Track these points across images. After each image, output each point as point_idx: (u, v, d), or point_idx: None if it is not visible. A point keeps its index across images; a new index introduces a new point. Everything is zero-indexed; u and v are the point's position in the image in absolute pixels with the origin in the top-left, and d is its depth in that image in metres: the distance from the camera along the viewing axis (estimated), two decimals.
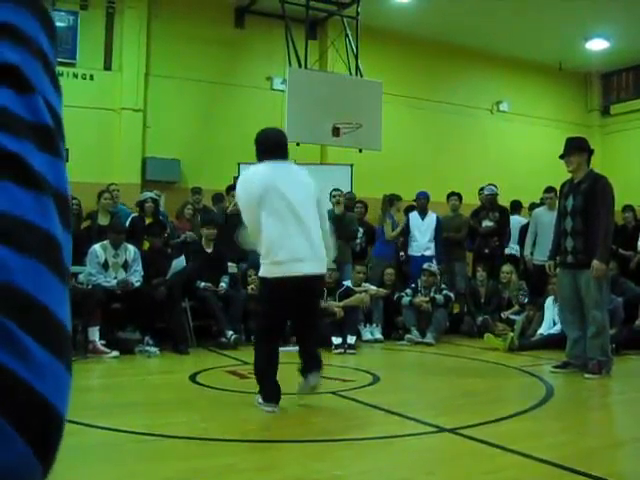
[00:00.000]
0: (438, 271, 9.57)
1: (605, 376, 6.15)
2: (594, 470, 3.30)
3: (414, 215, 10.07)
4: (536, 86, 15.89)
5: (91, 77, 11.76)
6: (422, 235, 9.85)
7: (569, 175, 6.46)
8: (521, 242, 10.43)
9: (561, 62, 15.60)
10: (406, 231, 10.00)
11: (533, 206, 11.04)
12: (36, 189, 0.47)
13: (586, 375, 6.09)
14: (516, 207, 11.47)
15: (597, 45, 14.53)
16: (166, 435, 3.88)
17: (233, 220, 9.19)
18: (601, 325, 6.17)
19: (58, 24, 11.41)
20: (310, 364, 4.75)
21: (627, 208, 10.51)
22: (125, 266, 7.66)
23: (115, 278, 7.52)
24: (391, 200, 10.23)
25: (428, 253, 9.76)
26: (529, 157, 15.03)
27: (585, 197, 6.19)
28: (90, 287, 7.45)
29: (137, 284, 7.56)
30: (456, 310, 9.99)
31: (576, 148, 6.36)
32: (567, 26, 13.45)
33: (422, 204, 10.03)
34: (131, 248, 7.78)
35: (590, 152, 6.41)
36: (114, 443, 3.80)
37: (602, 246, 6.08)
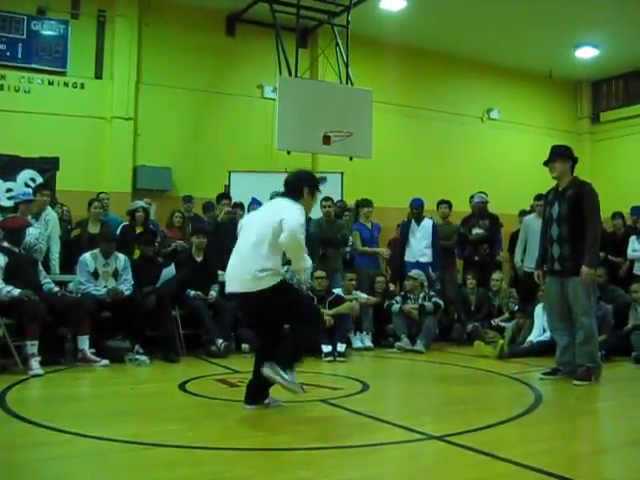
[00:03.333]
0: (433, 277, 9.62)
1: (594, 382, 6.17)
2: (582, 476, 3.32)
3: (409, 221, 10.06)
4: (526, 94, 15.95)
5: (82, 86, 11.75)
6: (417, 242, 9.85)
7: None
8: (511, 249, 10.45)
9: (551, 70, 15.67)
10: (403, 238, 10.01)
11: (523, 213, 11.08)
12: None
13: (575, 382, 6.11)
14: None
15: (587, 53, 14.61)
16: (154, 444, 3.87)
17: (223, 229, 9.21)
18: (589, 332, 6.19)
19: (49, 33, 11.43)
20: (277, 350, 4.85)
21: (616, 215, 10.55)
22: (115, 275, 7.65)
23: (105, 287, 7.49)
24: (358, 206, 10.21)
25: (424, 260, 9.76)
26: (520, 164, 15.06)
27: (570, 204, 6.22)
28: (80, 296, 7.43)
29: (127, 292, 7.55)
30: (446, 318, 10.00)
31: (560, 155, 6.39)
32: (557, 34, 13.52)
33: (417, 213, 10.00)
34: (121, 257, 7.77)
35: (574, 160, 6.44)
36: (102, 452, 3.79)
37: (590, 252, 6.10)
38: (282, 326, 5.01)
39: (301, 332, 4.83)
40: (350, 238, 9.82)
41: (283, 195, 5.00)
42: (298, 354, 4.89)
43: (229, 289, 4.96)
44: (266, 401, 4.96)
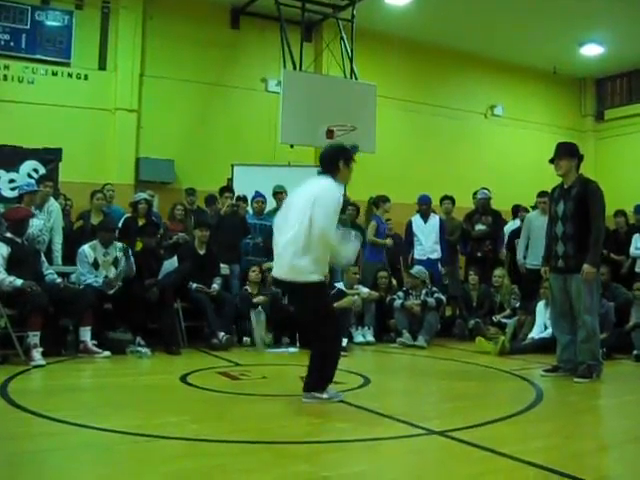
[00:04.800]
0: (442, 272, 9.67)
1: (595, 380, 6.17)
2: (583, 473, 3.32)
3: (416, 218, 10.08)
4: (530, 91, 15.94)
5: (85, 77, 11.75)
6: (426, 238, 9.89)
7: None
8: (510, 246, 10.41)
9: (556, 67, 15.66)
10: (409, 236, 10.03)
11: (518, 209, 11.11)
12: None
13: (576, 379, 6.12)
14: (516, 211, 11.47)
15: (591, 50, 14.62)
16: (156, 435, 3.87)
17: (226, 222, 9.21)
18: (591, 330, 6.19)
19: (53, 23, 11.41)
20: (306, 380, 4.98)
21: (619, 213, 10.52)
22: (115, 263, 7.63)
23: (106, 277, 7.49)
24: (377, 202, 10.19)
25: (434, 256, 9.83)
26: (523, 161, 15.07)
27: (575, 202, 6.21)
28: (82, 287, 7.44)
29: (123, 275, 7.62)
30: (448, 313, 10.00)
31: (566, 153, 6.38)
32: (562, 31, 13.51)
33: (424, 209, 10.03)
34: (119, 244, 7.74)
35: (580, 158, 6.42)
36: (104, 443, 3.79)
37: (593, 250, 6.10)
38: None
39: (320, 351, 4.93)
40: (352, 233, 9.77)
41: (320, 173, 5.06)
42: (327, 373, 4.94)
43: (273, 273, 5.12)
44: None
